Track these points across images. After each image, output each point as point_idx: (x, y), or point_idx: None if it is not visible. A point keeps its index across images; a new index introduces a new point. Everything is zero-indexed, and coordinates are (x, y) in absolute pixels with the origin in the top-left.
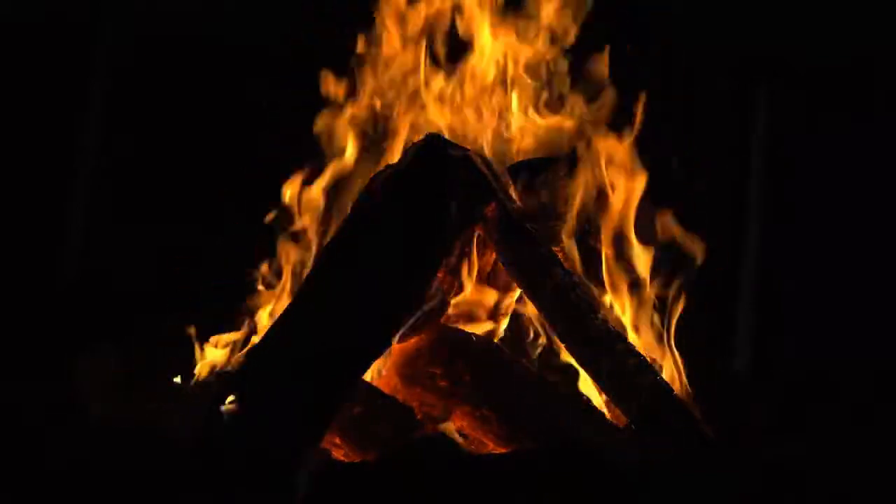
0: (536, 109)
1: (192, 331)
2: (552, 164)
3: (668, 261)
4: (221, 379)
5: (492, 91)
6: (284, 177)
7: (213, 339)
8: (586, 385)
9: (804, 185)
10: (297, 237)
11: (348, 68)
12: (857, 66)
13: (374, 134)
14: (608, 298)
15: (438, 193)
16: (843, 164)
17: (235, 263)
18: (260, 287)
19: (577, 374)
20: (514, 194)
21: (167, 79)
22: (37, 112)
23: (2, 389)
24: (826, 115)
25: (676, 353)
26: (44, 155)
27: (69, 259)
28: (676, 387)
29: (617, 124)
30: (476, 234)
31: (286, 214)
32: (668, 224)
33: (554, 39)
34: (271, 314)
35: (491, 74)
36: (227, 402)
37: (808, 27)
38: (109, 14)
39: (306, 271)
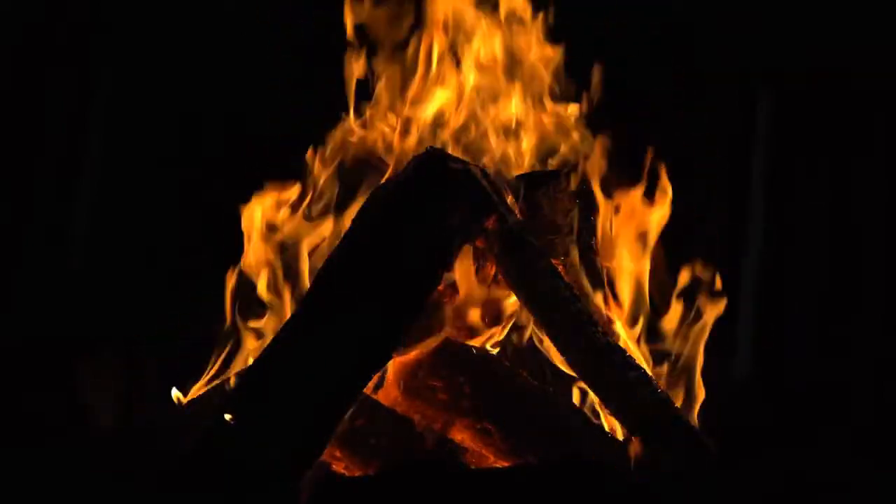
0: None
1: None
2: (552, 177)
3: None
4: (223, 390)
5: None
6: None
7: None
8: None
9: (805, 185)
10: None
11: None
12: (858, 70)
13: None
14: (607, 310)
15: (439, 206)
16: (845, 165)
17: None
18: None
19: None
20: (514, 207)
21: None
22: (36, 113)
23: (4, 393)
24: (828, 118)
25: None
26: (45, 155)
27: (73, 260)
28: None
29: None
30: (476, 247)
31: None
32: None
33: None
34: (273, 328)
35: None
36: (226, 416)
37: (810, 32)
38: (109, 14)
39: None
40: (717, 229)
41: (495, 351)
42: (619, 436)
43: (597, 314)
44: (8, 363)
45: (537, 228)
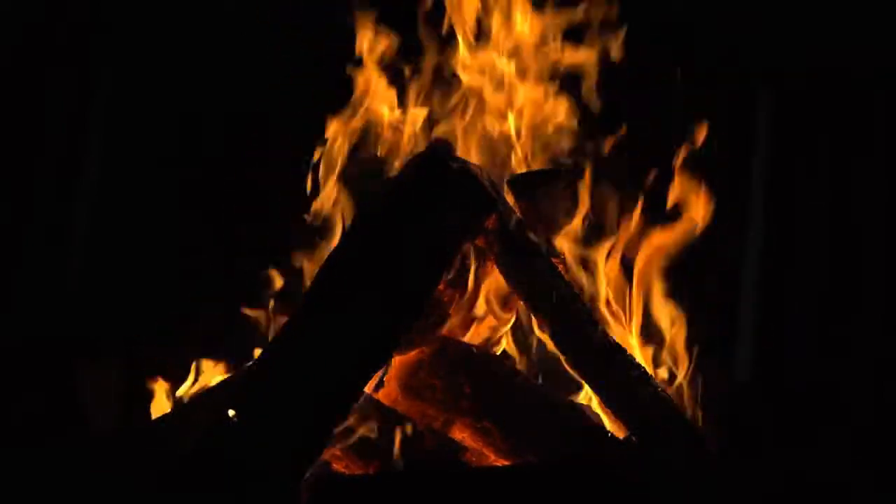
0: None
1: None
2: (552, 176)
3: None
4: (224, 391)
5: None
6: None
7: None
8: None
9: (805, 185)
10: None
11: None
12: (858, 70)
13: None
14: (609, 310)
15: (439, 206)
16: (845, 165)
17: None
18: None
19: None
20: (514, 206)
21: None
22: (36, 113)
23: (4, 393)
24: (828, 118)
25: (677, 363)
26: (45, 155)
27: (73, 260)
28: (677, 397)
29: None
30: (477, 247)
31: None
32: None
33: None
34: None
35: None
36: (228, 414)
37: (809, 32)
38: (109, 14)
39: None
40: (717, 229)
41: (496, 350)
42: (620, 435)
43: (596, 313)
44: (8, 363)
45: (537, 227)
